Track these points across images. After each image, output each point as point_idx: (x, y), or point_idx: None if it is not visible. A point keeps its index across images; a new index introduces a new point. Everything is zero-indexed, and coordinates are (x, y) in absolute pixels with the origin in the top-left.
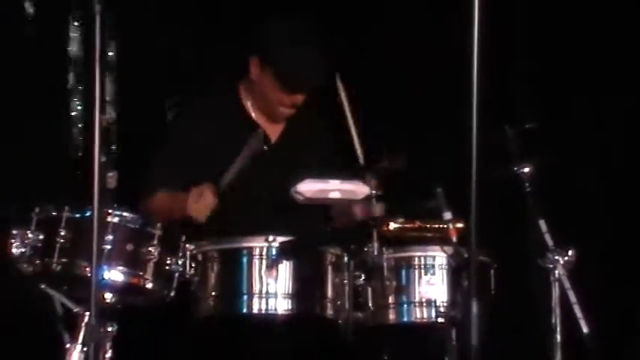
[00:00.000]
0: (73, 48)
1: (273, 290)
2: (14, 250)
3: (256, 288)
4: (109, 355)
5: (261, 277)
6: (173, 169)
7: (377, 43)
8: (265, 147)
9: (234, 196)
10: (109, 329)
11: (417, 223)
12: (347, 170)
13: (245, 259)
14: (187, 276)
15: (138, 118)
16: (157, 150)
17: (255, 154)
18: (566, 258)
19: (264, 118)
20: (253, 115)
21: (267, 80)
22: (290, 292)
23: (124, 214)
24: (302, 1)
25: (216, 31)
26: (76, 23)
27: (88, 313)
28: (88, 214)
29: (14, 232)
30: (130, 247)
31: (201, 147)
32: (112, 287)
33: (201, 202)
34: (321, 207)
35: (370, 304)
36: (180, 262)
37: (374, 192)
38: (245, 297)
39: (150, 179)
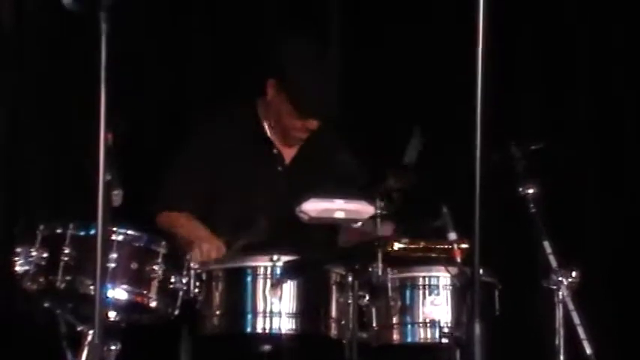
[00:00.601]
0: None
1: (277, 309)
2: (18, 268)
3: (260, 307)
4: None
5: (265, 297)
6: (187, 187)
7: (386, 58)
8: (280, 168)
9: (246, 217)
10: (113, 348)
11: (422, 244)
12: (354, 190)
13: (249, 278)
14: (192, 294)
15: (149, 134)
16: (172, 163)
17: (253, 240)
18: (570, 279)
19: (278, 139)
20: (269, 134)
21: (282, 103)
22: (294, 311)
23: (129, 232)
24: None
25: (235, 45)
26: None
27: (91, 332)
28: (92, 231)
29: (18, 249)
30: (134, 265)
31: (217, 162)
32: (116, 305)
33: (207, 259)
34: (330, 226)
35: (374, 324)
36: (184, 281)
37: (379, 212)
38: (249, 316)
39: (162, 194)
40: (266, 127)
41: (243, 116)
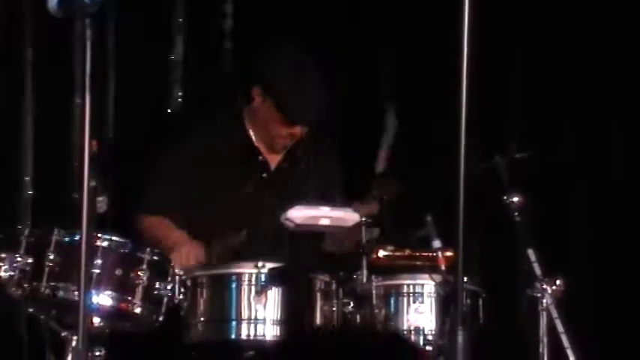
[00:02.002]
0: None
1: (262, 316)
2: (2, 274)
3: (245, 314)
4: None
5: (250, 303)
6: (170, 189)
7: (369, 67)
8: (264, 174)
9: (230, 225)
10: (97, 354)
11: (407, 252)
12: (339, 198)
13: (234, 285)
14: (176, 301)
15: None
16: (155, 166)
17: (232, 248)
18: (554, 287)
19: (264, 146)
20: (255, 141)
21: (267, 110)
22: (279, 318)
23: (113, 238)
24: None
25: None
26: None
27: (75, 338)
28: (77, 238)
29: (3, 255)
30: (118, 271)
31: (200, 168)
32: (101, 312)
33: (185, 263)
34: (314, 234)
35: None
36: (169, 287)
37: (364, 219)
38: (234, 323)
39: (144, 197)
40: (252, 134)
41: (228, 123)
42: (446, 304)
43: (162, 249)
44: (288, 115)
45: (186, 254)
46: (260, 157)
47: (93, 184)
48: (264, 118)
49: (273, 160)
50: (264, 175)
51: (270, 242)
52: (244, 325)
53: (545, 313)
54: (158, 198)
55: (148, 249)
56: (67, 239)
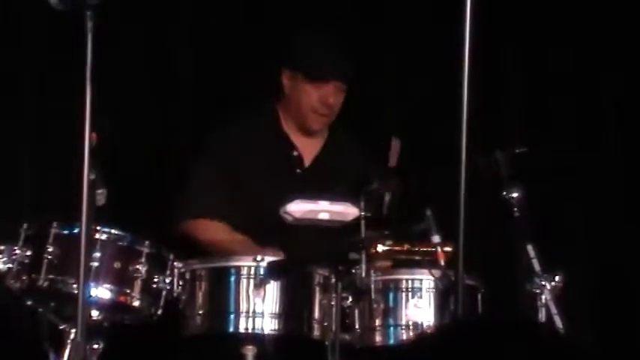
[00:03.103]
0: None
1: (260, 310)
2: (1, 266)
3: (244, 307)
4: None
5: (248, 297)
6: (216, 192)
7: (371, 62)
8: (298, 170)
9: (260, 219)
10: (95, 346)
11: (406, 246)
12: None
13: (233, 278)
14: (175, 294)
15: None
16: (194, 171)
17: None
18: (553, 283)
19: (300, 135)
20: (291, 135)
21: (299, 85)
22: (277, 311)
23: (112, 231)
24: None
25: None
26: None
27: (74, 330)
28: (76, 230)
29: (1, 247)
30: (117, 264)
31: (237, 168)
32: (99, 304)
33: None
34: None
35: (357, 326)
36: (167, 280)
37: (363, 214)
38: (232, 316)
39: (188, 200)
40: (286, 129)
41: (263, 119)
42: (445, 299)
43: (224, 251)
44: (319, 72)
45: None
46: (295, 153)
47: (92, 176)
48: (297, 96)
49: (308, 157)
50: (298, 170)
51: (306, 239)
52: (242, 319)
53: (543, 309)
54: (204, 202)
55: (147, 242)
56: (66, 232)
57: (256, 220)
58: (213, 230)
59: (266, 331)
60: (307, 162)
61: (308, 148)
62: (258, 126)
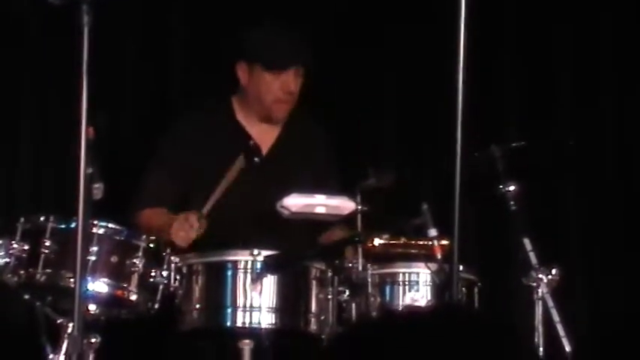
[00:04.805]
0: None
1: (257, 304)
2: None
3: (240, 301)
4: None
5: (245, 291)
6: (164, 185)
7: (367, 58)
8: (257, 159)
9: (221, 211)
10: (92, 341)
11: (403, 240)
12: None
13: (230, 273)
14: (172, 288)
15: (131, 128)
16: (147, 165)
17: (241, 172)
18: (549, 276)
19: (256, 124)
20: (246, 126)
21: (258, 75)
22: (274, 306)
23: (110, 225)
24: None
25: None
26: None
27: (71, 325)
28: (73, 225)
29: None
30: (114, 258)
31: (192, 160)
32: (96, 299)
33: (186, 230)
34: (307, 222)
35: (354, 320)
36: (164, 275)
37: (359, 208)
38: (229, 310)
39: (139, 194)
40: (242, 120)
41: (217, 111)
42: (441, 293)
43: (162, 233)
44: (278, 60)
45: (184, 219)
46: (251, 142)
47: (89, 171)
48: (256, 87)
49: (265, 145)
50: (256, 159)
51: (263, 229)
52: (240, 313)
53: (540, 302)
54: (152, 193)
55: (144, 236)
56: (63, 226)
57: (219, 213)
58: (153, 216)
59: (263, 326)
60: (265, 150)
61: (265, 137)
62: (210, 120)
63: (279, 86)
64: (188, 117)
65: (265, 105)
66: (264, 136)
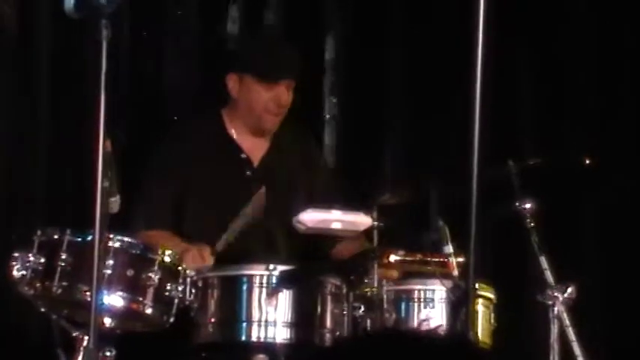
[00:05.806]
0: None
1: (272, 318)
2: (15, 273)
3: (256, 316)
4: None
5: (260, 305)
6: (163, 202)
7: (384, 69)
8: (248, 172)
9: (218, 227)
10: (108, 354)
11: (418, 256)
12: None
13: (245, 287)
14: (187, 302)
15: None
16: (143, 182)
17: (255, 214)
18: (566, 295)
19: (246, 137)
20: (237, 139)
21: (248, 87)
22: (289, 320)
23: (125, 239)
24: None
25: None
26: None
27: (86, 338)
28: (89, 238)
29: (15, 254)
30: (130, 272)
31: (185, 176)
32: (112, 312)
33: (199, 263)
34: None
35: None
36: (180, 288)
37: (375, 223)
38: (244, 324)
39: (139, 213)
40: (232, 132)
41: (207, 125)
42: (457, 310)
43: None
44: (270, 72)
45: (198, 253)
46: (243, 155)
47: (106, 184)
48: (247, 99)
49: (256, 157)
50: (248, 173)
51: (255, 241)
52: (255, 327)
53: (556, 321)
54: (151, 213)
55: (160, 250)
56: (79, 239)
57: (212, 226)
58: (161, 240)
59: (278, 340)
60: (256, 163)
61: (255, 150)
62: (201, 133)
63: (271, 98)
64: (179, 131)
65: (255, 115)
66: (254, 147)
